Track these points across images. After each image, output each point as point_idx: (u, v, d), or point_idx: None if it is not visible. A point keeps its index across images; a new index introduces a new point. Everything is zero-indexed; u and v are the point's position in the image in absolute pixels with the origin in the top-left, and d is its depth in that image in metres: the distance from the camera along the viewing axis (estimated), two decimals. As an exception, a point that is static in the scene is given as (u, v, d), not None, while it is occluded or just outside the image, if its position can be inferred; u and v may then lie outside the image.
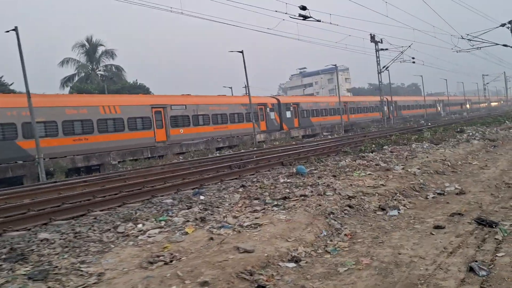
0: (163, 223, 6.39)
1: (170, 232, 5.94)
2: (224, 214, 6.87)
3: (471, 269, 4.24)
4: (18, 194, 10.88)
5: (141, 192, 9.33)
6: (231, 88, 51.58)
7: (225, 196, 8.45)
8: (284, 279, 4.44)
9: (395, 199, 7.65)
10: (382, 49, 41.25)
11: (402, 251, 5.00)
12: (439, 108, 69.45)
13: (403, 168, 10.28)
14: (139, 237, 5.75)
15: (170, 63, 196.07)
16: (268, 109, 34.55)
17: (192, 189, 9.59)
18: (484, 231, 5.54)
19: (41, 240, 5.86)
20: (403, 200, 7.65)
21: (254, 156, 16.64)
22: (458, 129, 21.99)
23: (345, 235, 5.85)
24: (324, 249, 5.33)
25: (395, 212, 6.85)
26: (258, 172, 11.98)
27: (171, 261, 4.87)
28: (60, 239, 5.92)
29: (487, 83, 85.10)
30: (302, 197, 7.73)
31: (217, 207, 7.47)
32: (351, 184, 8.52)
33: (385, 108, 46.44)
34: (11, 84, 38.99)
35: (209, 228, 6.05)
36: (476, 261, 4.42)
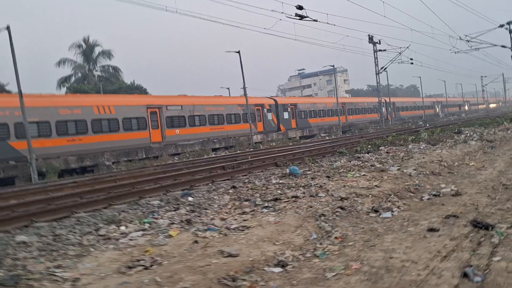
0: (147, 225, 6.16)
1: (153, 235, 5.71)
2: (211, 216, 6.65)
3: (465, 275, 4.00)
4: (5, 195, 10.62)
5: (129, 193, 9.07)
6: (228, 88, 51.35)
7: (215, 197, 8.22)
8: (269, 285, 4.21)
9: (389, 201, 7.43)
10: (380, 50, 41.11)
11: (394, 255, 4.77)
12: (437, 109, 69.33)
13: (398, 169, 10.07)
14: (121, 240, 5.52)
15: (168, 64, 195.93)
16: (265, 110, 34.33)
17: (182, 190, 9.34)
18: (479, 234, 5.31)
19: (18, 243, 5.62)
20: (397, 202, 7.42)
21: (249, 157, 16.40)
22: (456, 130, 21.79)
23: (336, 238, 5.61)
24: (313, 253, 5.10)
25: (388, 214, 6.62)
26: (251, 173, 11.75)
27: (151, 266, 4.64)
28: (38, 242, 5.68)
29: (486, 85, 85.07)
30: (294, 199, 7.52)
31: (205, 208, 7.24)
32: (344, 185, 8.31)
33: (383, 109, 46.25)
34: (7, 84, 38.77)
35: (195, 230, 5.83)
36: (471, 266, 4.19)
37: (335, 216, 6.48)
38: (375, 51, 41.10)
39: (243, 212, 6.79)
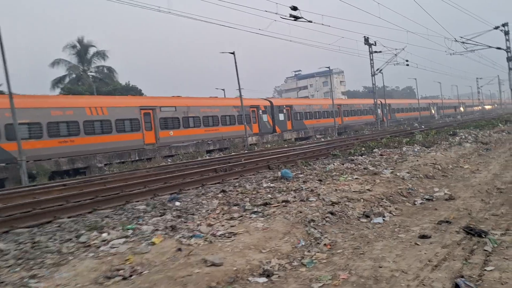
0: (130, 231, 5.94)
1: (136, 242, 5.49)
2: (198, 222, 6.44)
3: (456, 286, 3.83)
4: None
5: (116, 197, 8.84)
6: (223, 89, 51.25)
7: (203, 202, 8.00)
8: (252, 297, 4.02)
9: (381, 205, 7.26)
10: (376, 52, 40.96)
11: (383, 264, 4.59)
12: (433, 111, 69.41)
13: (391, 172, 9.90)
14: (101, 248, 5.29)
15: (165, 64, 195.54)
16: (260, 111, 34.13)
17: (171, 194, 9.12)
18: (472, 241, 5.15)
19: (-5, 251, 5.39)
20: (389, 206, 7.26)
21: (243, 159, 16.20)
22: (451, 132, 21.68)
23: (325, 245, 5.43)
24: (300, 261, 4.91)
25: (379, 220, 6.45)
26: (242, 176, 11.54)
27: (130, 276, 4.44)
28: (16, 249, 5.45)
29: (481, 86, 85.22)
30: (284, 203, 7.33)
31: (193, 214, 7.03)
32: (336, 189, 8.12)
33: (379, 111, 46.17)
34: (0, 85, 38.35)
35: (179, 237, 5.61)
36: (463, 277, 4.03)
37: (325, 221, 6.29)
38: (371, 53, 41.00)
39: (231, 218, 6.59)
